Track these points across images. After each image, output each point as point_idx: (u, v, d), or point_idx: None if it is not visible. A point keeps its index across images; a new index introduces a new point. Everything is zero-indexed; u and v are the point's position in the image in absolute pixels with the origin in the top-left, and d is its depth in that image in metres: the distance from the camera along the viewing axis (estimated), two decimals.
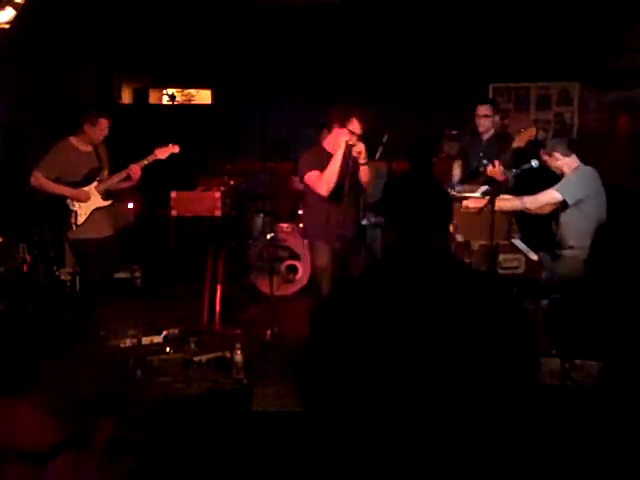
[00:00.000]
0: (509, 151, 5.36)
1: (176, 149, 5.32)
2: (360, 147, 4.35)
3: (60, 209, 5.16)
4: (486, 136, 5.73)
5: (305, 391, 1.96)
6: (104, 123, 5.16)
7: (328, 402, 1.89)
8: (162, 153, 5.28)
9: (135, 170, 5.21)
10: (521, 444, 1.92)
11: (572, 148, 4.81)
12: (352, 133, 4.35)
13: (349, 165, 4.42)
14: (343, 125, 4.39)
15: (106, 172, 5.31)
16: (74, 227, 5.16)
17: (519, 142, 5.34)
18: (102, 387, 1.17)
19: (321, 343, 1.91)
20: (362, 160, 4.42)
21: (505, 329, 1.86)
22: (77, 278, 5.53)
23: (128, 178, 5.30)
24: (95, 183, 5.23)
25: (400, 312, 1.83)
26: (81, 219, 5.17)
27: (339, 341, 1.85)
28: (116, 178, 5.27)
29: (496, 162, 5.16)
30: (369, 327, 1.83)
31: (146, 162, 5.24)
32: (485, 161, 5.46)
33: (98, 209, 5.25)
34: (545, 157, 4.76)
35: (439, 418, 1.80)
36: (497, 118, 5.78)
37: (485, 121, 5.69)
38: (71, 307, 5.42)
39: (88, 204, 5.20)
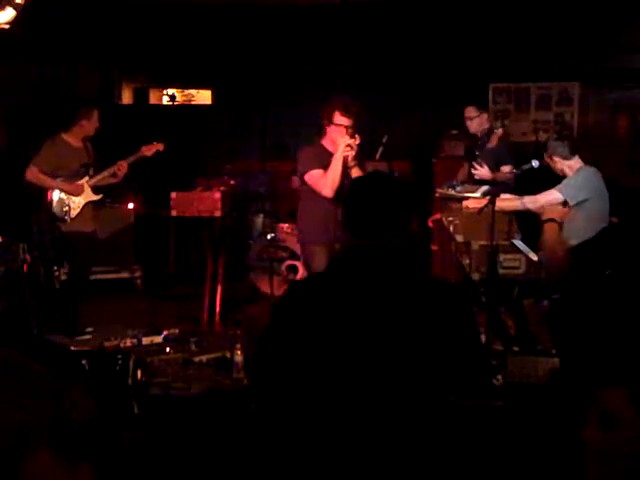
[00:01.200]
0: (488, 150, 5.45)
1: (161, 147, 5.48)
2: (350, 147, 4.27)
3: (51, 203, 5.27)
4: (480, 135, 5.75)
5: (257, 370, 2.11)
6: (96, 114, 5.35)
7: (276, 383, 2.03)
8: (148, 150, 5.44)
9: (122, 166, 5.36)
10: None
11: (575, 149, 4.78)
12: (345, 127, 4.30)
13: (348, 165, 4.37)
14: (331, 122, 4.36)
15: (92, 168, 5.44)
16: (68, 220, 5.29)
17: (491, 143, 5.46)
18: (37, 414, 1.13)
19: (276, 330, 2.04)
20: (351, 163, 4.34)
21: (442, 323, 1.94)
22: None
23: (114, 175, 5.45)
24: (87, 178, 5.38)
25: (342, 306, 1.93)
26: (74, 212, 5.32)
27: (290, 330, 1.99)
28: (106, 173, 5.43)
29: (476, 164, 5.23)
30: (316, 319, 1.95)
31: (133, 159, 5.42)
32: (478, 152, 5.51)
33: (89, 203, 5.40)
34: (547, 160, 4.76)
35: (377, 400, 1.89)
36: (485, 116, 5.80)
37: (471, 123, 5.72)
38: (62, 306, 5.44)
39: (81, 198, 5.35)
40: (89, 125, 5.31)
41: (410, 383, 1.89)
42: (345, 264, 2.06)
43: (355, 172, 4.36)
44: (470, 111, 5.74)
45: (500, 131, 5.52)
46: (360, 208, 2.00)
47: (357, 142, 4.30)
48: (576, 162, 4.69)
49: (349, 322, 1.91)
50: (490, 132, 5.77)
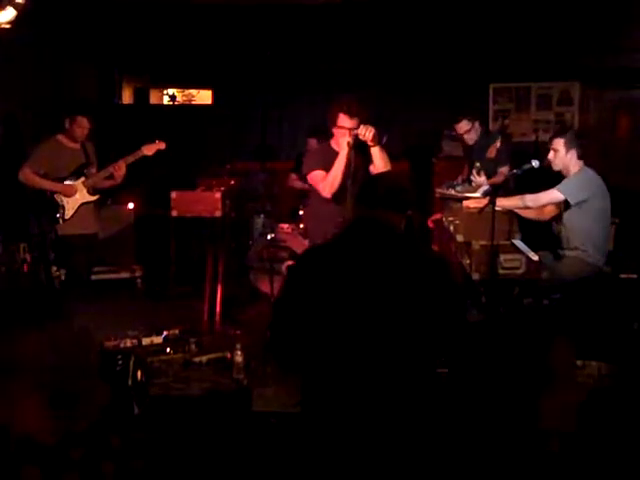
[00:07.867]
0: (487, 160, 5.45)
1: (162, 145, 5.41)
2: (364, 131, 4.17)
3: (48, 204, 5.23)
4: (476, 142, 5.76)
5: (275, 332, 2.38)
6: (83, 121, 5.27)
7: (293, 345, 2.33)
8: (149, 149, 5.36)
9: (119, 167, 5.28)
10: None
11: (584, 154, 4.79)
12: (349, 129, 4.25)
13: (352, 166, 4.30)
14: (335, 125, 4.33)
15: (94, 169, 5.39)
16: (61, 221, 5.24)
17: (490, 154, 5.47)
18: None
19: (288, 295, 2.39)
20: (371, 143, 4.23)
21: (428, 285, 2.28)
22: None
23: (111, 176, 5.37)
24: (82, 179, 5.32)
25: (344, 269, 2.28)
26: (69, 214, 5.27)
27: (300, 294, 2.32)
28: (102, 174, 5.36)
29: (474, 173, 5.26)
30: (322, 283, 2.28)
31: (132, 159, 5.33)
32: (478, 164, 5.51)
33: (85, 204, 5.34)
34: (559, 148, 4.65)
35: (377, 354, 2.22)
36: (477, 124, 5.74)
37: (468, 136, 5.69)
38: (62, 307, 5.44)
39: (75, 199, 5.29)
40: (73, 129, 5.25)
41: (398, 336, 2.21)
42: (350, 232, 2.41)
43: (376, 155, 4.29)
44: (462, 127, 5.68)
45: (498, 143, 5.50)
46: (367, 183, 2.57)
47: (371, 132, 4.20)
48: (580, 162, 4.69)
49: (349, 282, 2.26)
50: (488, 141, 5.75)
